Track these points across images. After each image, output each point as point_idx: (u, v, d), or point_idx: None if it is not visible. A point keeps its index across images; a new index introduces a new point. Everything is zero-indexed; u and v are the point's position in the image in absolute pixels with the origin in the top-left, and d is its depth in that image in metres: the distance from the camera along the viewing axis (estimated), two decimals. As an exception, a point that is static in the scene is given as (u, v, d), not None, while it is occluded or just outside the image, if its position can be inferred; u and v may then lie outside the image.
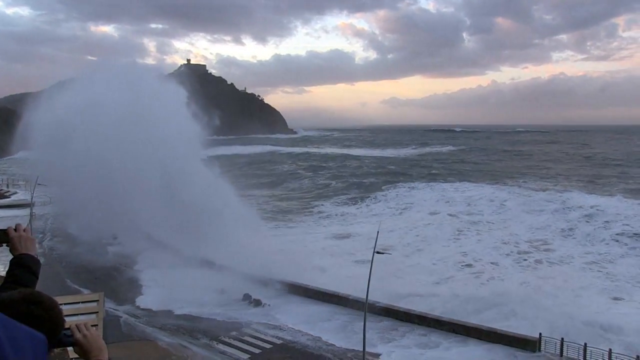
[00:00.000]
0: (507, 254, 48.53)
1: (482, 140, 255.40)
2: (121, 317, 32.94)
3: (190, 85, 66.49)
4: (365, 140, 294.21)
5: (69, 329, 2.75)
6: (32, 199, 46.03)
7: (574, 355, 26.34)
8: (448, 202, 73.57)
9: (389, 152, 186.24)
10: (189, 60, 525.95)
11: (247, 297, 36.79)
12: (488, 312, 32.41)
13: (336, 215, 70.30)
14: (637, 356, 24.49)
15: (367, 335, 25.05)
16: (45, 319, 2.61)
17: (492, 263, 46.32)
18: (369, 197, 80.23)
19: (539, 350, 27.40)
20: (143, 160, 53.27)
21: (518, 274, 43.11)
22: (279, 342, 29.28)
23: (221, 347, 28.66)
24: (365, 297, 25.16)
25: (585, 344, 26.25)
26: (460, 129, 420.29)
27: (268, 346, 28.69)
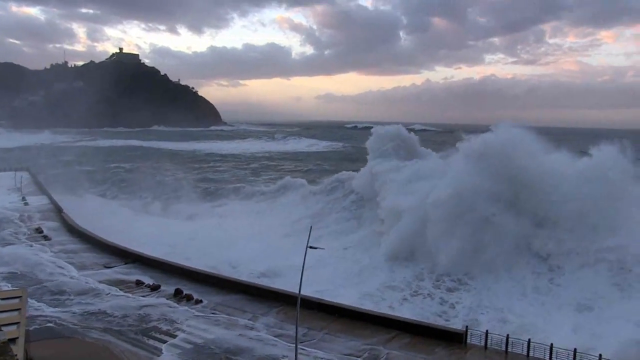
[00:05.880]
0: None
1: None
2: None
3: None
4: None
5: None
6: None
7: (498, 347, 27.66)
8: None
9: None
10: (121, 49, 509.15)
11: (178, 292, 36.04)
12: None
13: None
14: (601, 353, 26.08)
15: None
16: None
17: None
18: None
19: (465, 343, 28.51)
20: None
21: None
22: (210, 337, 28.84)
23: (152, 342, 27.92)
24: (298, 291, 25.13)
25: (508, 335, 27.69)
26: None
27: (200, 341, 28.19)
